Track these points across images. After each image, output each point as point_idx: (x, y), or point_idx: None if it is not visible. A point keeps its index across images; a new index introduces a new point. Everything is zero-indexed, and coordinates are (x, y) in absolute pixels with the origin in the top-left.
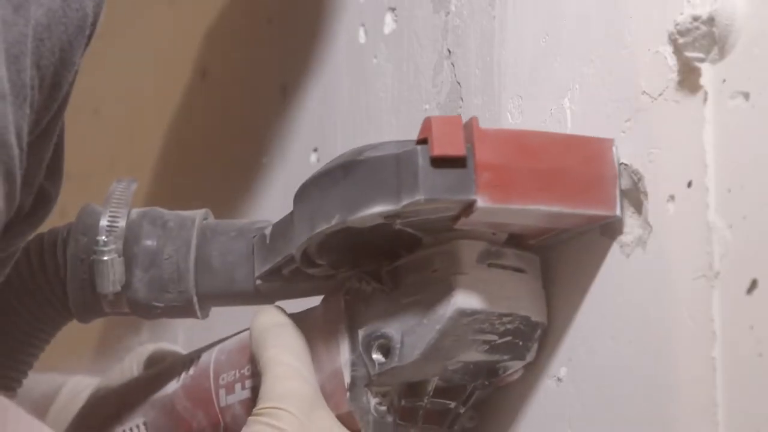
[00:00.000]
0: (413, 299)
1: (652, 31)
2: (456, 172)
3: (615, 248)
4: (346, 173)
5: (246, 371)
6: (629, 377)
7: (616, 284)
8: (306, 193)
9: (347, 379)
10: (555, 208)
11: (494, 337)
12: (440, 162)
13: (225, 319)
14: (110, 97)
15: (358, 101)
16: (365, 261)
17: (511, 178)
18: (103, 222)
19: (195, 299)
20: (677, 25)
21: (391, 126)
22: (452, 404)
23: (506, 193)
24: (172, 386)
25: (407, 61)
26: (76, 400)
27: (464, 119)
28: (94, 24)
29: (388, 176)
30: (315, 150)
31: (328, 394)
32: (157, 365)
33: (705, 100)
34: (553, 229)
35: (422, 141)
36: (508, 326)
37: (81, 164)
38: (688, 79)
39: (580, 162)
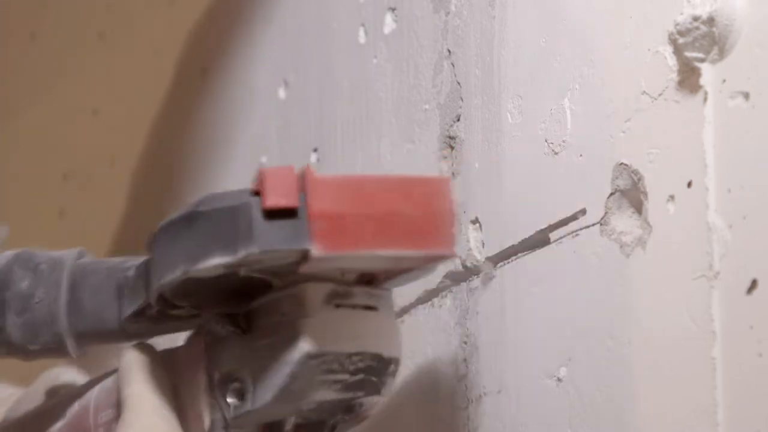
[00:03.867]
0: (265, 342)
1: (652, 31)
2: (290, 222)
3: (615, 248)
4: (189, 224)
5: None
6: (629, 377)
7: (616, 284)
8: (156, 241)
9: (207, 422)
10: (391, 252)
11: (346, 376)
12: (273, 213)
13: None
14: (110, 97)
15: (358, 101)
16: (225, 302)
17: (345, 226)
18: None
19: (69, 341)
20: (677, 25)
21: (391, 126)
22: None
23: (341, 241)
24: (59, 424)
25: (407, 61)
26: None
27: (465, 120)
28: None
29: (225, 228)
30: (315, 150)
31: None
32: (54, 396)
33: (705, 100)
34: (398, 268)
35: (257, 192)
36: (359, 364)
37: (81, 164)
38: (688, 79)
39: (416, 204)
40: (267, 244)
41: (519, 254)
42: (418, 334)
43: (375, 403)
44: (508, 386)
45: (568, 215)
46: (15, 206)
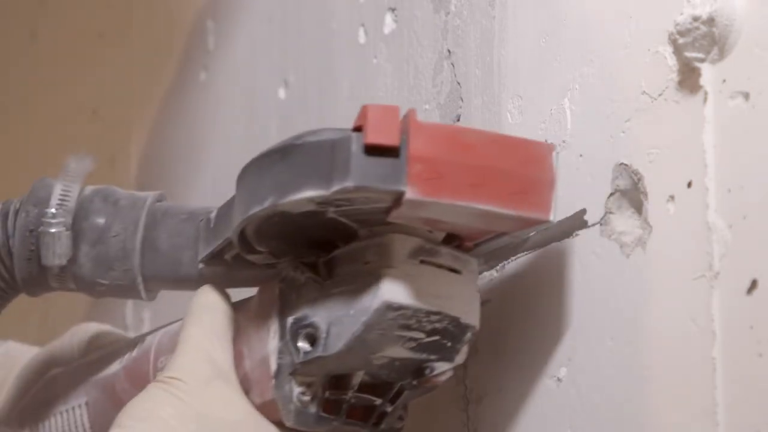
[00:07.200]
0: (343, 289)
1: (652, 31)
2: (388, 161)
3: (615, 248)
4: (283, 156)
5: None
6: (629, 377)
7: (615, 284)
8: (245, 175)
9: (273, 367)
10: (486, 207)
11: (421, 335)
12: (373, 150)
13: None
14: (110, 97)
15: (358, 101)
16: (305, 251)
17: (443, 173)
18: (55, 195)
19: (139, 279)
20: (677, 25)
21: None
22: (378, 401)
23: (437, 187)
24: (115, 367)
25: (407, 61)
26: (8, 365)
27: (465, 120)
28: None
29: (321, 162)
30: None
31: (255, 380)
32: (103, 347)
33: (705, 100)
34: (489, 231)
35: (358, 129)
36: (437, 325)
37: None
38: (688, 79)
39: (517, 163)
40: (363, 180)
41: (519, 254)
42: None
43: (444, 372)
44: (508, 386)
45: (568, 215)
46: None
